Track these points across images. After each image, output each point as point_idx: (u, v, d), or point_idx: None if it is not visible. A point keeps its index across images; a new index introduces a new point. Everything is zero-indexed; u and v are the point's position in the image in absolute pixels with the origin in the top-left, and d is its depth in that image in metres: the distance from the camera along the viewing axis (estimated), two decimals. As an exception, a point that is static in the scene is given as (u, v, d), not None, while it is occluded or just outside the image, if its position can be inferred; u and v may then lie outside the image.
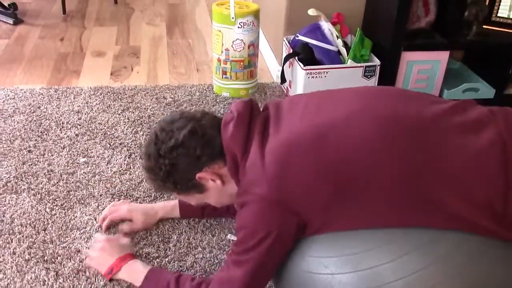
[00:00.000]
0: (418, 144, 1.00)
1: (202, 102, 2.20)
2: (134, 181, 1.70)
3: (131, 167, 1.76)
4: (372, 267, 0.99)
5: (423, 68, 2.15)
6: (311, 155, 1.02)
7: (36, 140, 1.89)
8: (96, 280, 1.33)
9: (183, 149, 1.14)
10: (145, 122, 2.03)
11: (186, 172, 1.17)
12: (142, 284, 1.25)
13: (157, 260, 1.40)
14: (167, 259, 1.41)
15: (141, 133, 1.96)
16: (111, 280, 1.32)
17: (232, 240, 1.47)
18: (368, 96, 1.12)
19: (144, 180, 1.69)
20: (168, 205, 1.54)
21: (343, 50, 2.11)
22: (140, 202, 1.61)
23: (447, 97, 2.19)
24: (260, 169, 1.05)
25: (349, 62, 2.07)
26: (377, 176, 0.99)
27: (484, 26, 2.17)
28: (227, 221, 1.54)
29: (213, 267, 1.39)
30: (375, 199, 1.00)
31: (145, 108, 2.13)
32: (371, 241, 1.01)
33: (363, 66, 2.07)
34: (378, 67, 2.08)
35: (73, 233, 1.48)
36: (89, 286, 1.31)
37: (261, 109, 1.22)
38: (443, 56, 2.14)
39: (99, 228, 1.50)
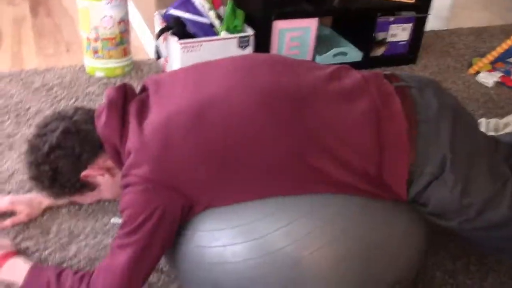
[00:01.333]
0: (298, 115, 1.02)
1: (75, 85, 2.09)
2: (4, 174, 1.58)
3: (0, 159, 1.64)
4: (262, 236, 1.02)
5: (295, 35, 2.22)
6: (190, 134, 1.01)
7: None
8: (-31, 283, 1.23)
9: (60, 151, 1.11)
10: (12, 110, 1.89)
11: (71, 173, 1.14)
12: (23, 283, 1.17)
13: (37, 254, 1.33)
14: (47, 251, 1.34)
15: (8, 122, 1.82)
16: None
17: (117, 223, 1.44)
18: (246, 68, 1.12)
19: (15, 172, 1.59)
20: None
21: (216, 22, 2.10)
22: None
23: (319, 62, 2.28)
24: (140, 150, 1.03)
25: (223, 34, 2.08)
26: (260, 149, 1.01)
27: (348, -8, 2.28)
28: (110, 204, 1.50)
29: (98, 253, 1.35)
30: (260, 172, 1.02)
31: (11, 96, 1.98)
32: (261, 211, 1.04)
33: (237, 37, 2.08)
34: (252, 37, 2.11)
35: None
36: (-39, 291, 1.22)
37: (140, 88, 1.19)
38: (312, 23, 2.22)
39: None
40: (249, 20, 2.16)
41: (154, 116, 1.06)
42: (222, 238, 1.05)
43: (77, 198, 1.26)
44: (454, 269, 1.36)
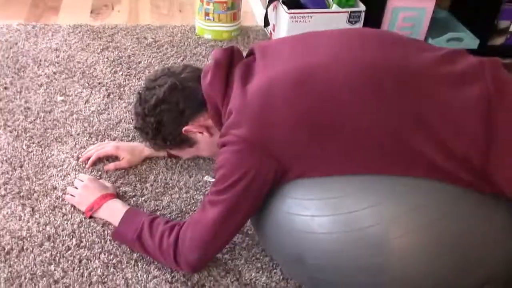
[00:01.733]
0: (402, 93, 0.99)
1: (184, 44, 2.16)
2: (112, 121, 1.68)
3: (110, 107, 1.75)
4: (351, 212, 1.01)
5: (408, 15, 2.12)
6: (290, 98, 1.02)
7: (12, 77, 1.85)
8: (72, 216, 1.34)
9: (165, 105, 1.17)
10: (124, 62, 2.00)
11: (173, 127, 1.20)
12: (119, 224, 1.26)
13: (134, 199, 1.41)
14: (143, 198, 1.42)
15: (120, 73, 1.93)
16: (90, 217, 1.33)
17: (209, 181, 1.48)
18: (355, 41, 1.09)
19: (122, 120, 1.68)
20: None
21: (329, -6, 2.07)
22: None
23: (431, 46, 2.17)
24: (240, 111, 1.05)
25: (334, 7, 2.04)
26: (359, 122, 0.99)
27: (472, -26, 2.14)
28: (205, 163, 1.55)
29: (189, 207, 1.40)
30: (356, 145, 1.00)
31: (125, 48, 2.09)
32: (351, 186, 1.02)
33: (348, 12, 2.03)
34: (363, 13, 2.05)
35: (49, 171, 1.48)
36: (65, 222, 1.32)
37: (246, 52, 1.21)
38: (429, 4, 2.12)
39: (81, 165, 1.50)
40: (363, -5, 2.10)
41: (258, 80, 1.07)
42: (311, 208, 1.04)
43: (176, 152, 1.31)
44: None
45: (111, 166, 1.49)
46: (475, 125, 0.96)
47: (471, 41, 2.21)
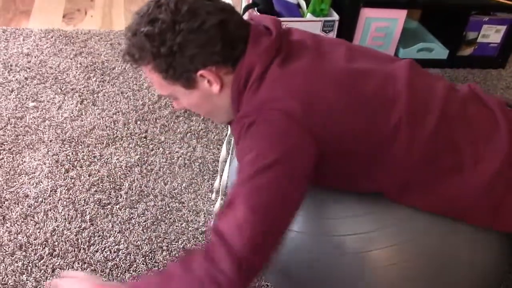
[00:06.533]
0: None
1: (158, 50, 2.15)
2: (86, 127, 1.66)
3: (83, 113, 1.72)
4: (350, 234, 1.02)
5: (381, 25, 2.16)
6: (343, 90, 0.96)
7: (-18, 82, 1.82)
8: (45, 225, 1.32)
9: (204, 36, 0.95)
10: (98, 68, 1.97)
11: (190, 62, 0.96)
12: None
13: (108, 206, 1.40)
14: (118, 206, 1.40)
15: (94, 79, 1.90)
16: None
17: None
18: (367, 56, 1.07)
19: (96, 127, 1.66)
20: None
21: (303, 3, 2.09)
22: (91, 149, 1.58)
23: (403, 56, 2.22)
24: (285, 86, 0.95)
25: (308, 16, 2.06)
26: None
27: (442, -14, 2.19)
28: (180, 170, 1.54)
29: (164, 215, 1.40)
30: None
31: (98, 54, 2.07)
32: (355, 208, 1.03)
33: (322, 21, 2.06)
34: (337, 22, 2.08)
35: (21, 178, 1.45)
36: (37, 231, 1.30)
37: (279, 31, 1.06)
38: (401, 15, 2.16)
39: (53, 172, 1.47)
40: (336, 5, 2.13)
41: (301, 64, 0.99)
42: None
43: (165, 86, 1.01)
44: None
45: None
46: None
47: (440, 51, 2.27)
